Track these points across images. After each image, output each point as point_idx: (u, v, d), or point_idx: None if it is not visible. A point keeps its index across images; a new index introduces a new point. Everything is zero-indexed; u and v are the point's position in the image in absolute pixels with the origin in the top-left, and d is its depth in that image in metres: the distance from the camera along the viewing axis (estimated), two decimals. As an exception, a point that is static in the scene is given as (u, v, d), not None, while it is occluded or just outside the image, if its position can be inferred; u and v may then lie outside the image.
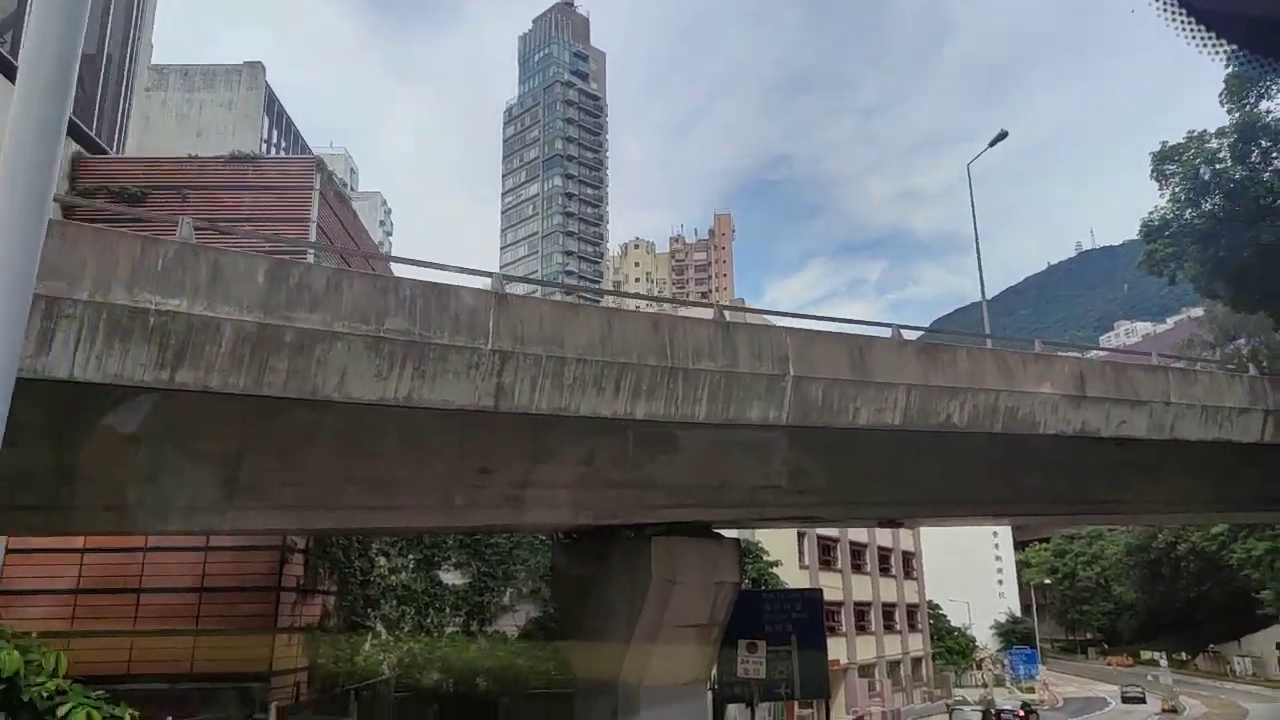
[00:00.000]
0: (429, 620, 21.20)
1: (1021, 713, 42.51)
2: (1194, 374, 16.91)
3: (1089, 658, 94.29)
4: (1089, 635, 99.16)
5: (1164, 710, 48.82)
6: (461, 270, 9.92)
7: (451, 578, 21.84)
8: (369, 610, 20.76)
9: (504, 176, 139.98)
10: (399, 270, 11.10)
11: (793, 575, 34.84)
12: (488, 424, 10.92)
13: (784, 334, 12.11)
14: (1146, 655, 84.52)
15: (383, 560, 21.39)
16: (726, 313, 12.05)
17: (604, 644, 14.22)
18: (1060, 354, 15.35)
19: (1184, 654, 79.65)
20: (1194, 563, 75.40)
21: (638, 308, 32.96)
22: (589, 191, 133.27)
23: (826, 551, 42.83)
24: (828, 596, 26.20)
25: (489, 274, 9.89)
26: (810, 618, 19.70)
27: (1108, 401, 15.07)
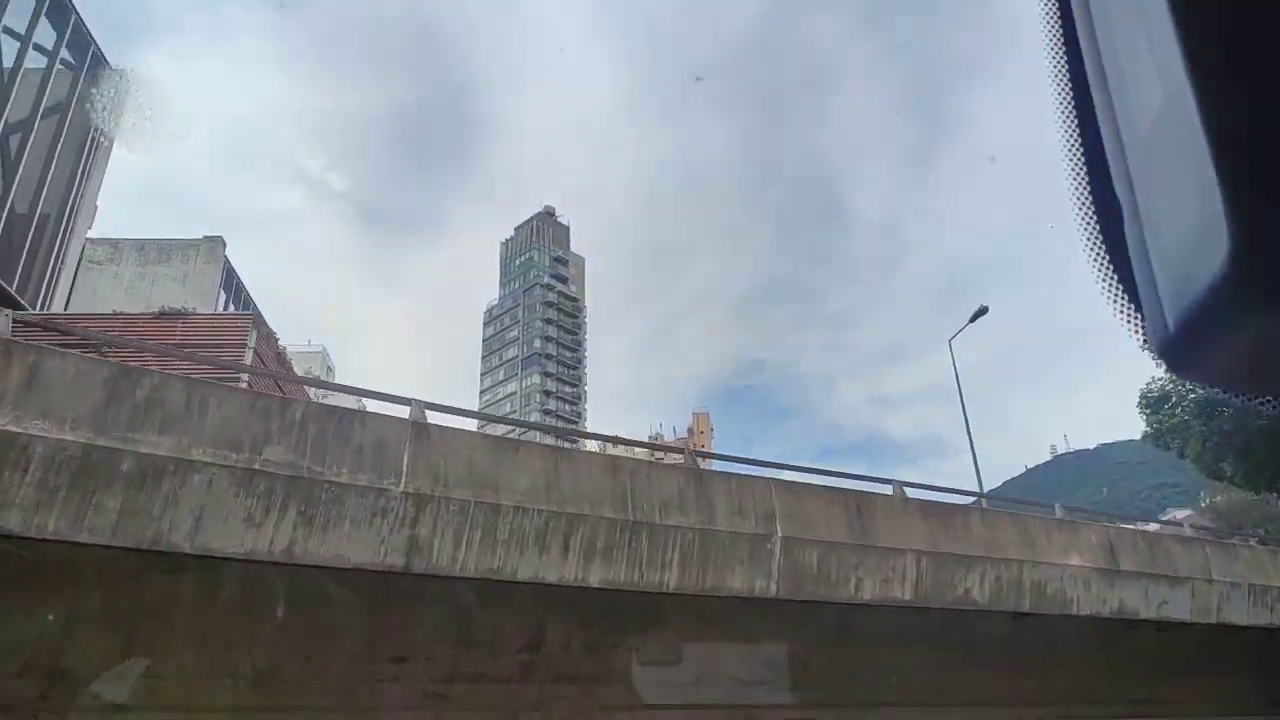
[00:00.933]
0: None
1: None
2: (1233, 548, 14.94)
3: None
4: None
5: None
6: (372, 394, 8.14)
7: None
8: None
9: (482, 375, 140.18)
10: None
11: (788, 804, 30.52)
12: (405, 594, 8.74)
13: (769, 487, 10.23)
14: None
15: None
16: (700, 461, 10.20)
17: None
18: (1085, 522, 13.44)
19: None
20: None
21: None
22: (567, 389, 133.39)
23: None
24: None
25: (408, 400, 8.10)
26: None
27: (1144, 577, 13.05)
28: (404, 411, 8.08)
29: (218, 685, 8.05)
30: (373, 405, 9.27)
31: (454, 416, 8.57)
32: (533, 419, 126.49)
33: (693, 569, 9.36)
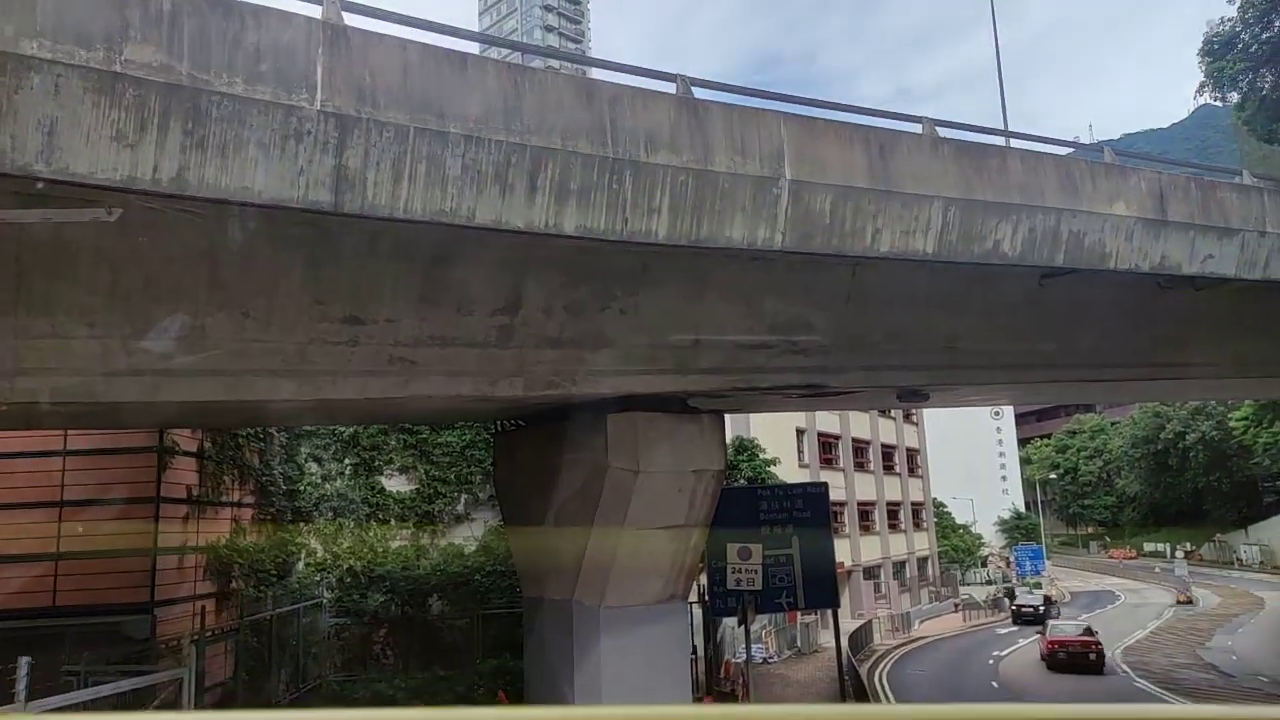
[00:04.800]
0: (370, 534, 18.27)
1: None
2: (1292, 199, 13.49)
3: (1090, 551, 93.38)
4: (1090, 529, 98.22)
5: (1179, 601, 47.10)
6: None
7: (396, 484, 18.83)
8: (299, 524, 17.79)
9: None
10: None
11: (791, 474, 32.05)
12: (352, 250, 7.56)
13: (777, 122, 8.65)
14: (1150, 547, 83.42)
15: (314, 466, 18.33)
16: (696, 91, 8.54)
17: (553, 556, 11.20)
18: (1135, 168, 11.91)
19: (1188, 544, 78.38)
20: (1202, 452, 73.55)
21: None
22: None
23: (827, 449, 40.09)
24: (830, 496, 23.22)
25: (318, -2, 6.36)
26: (814, 516, 16.76)
27: (1193, 229, 11.77)
28: (315, 12, 6.36)
29: (139, 344, 7.10)
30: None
31: (387, 24, 6.85)
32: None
33: (685, 216, 8.06)
